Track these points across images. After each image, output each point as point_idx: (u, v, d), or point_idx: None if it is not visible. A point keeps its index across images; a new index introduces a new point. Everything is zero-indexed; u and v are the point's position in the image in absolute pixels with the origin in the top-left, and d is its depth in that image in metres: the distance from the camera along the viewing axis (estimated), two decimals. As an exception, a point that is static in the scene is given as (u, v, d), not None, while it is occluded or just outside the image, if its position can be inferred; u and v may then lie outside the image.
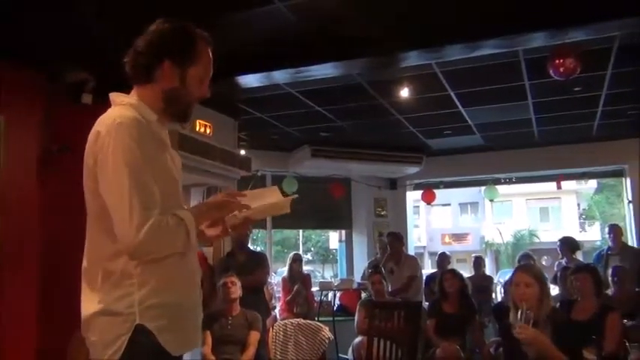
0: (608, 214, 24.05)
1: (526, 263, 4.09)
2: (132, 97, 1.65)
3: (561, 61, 4.04)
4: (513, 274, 3.35)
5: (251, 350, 4.51)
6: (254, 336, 4.59)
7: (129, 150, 1.48)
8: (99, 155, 1.51)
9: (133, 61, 1.64)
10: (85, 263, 1.62)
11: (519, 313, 2.92)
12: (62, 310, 2.55)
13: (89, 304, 1.56)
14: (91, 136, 1.56)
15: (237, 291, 4.68)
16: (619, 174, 8.56)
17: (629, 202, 8.01)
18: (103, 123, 1.55)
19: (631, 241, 7.64)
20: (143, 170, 1.50)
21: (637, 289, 5.40)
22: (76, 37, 3.82)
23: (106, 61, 1.75)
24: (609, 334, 3.81)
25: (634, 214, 7.80)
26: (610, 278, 5.36)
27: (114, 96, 1.66)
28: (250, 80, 4.80)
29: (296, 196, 1.88)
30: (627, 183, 8.09)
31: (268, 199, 1.80)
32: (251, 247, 6.24)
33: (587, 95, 5.83)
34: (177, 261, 1.59)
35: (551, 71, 4.16)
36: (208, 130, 5.53)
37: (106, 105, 1.67)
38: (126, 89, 1.70)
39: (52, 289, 3.93)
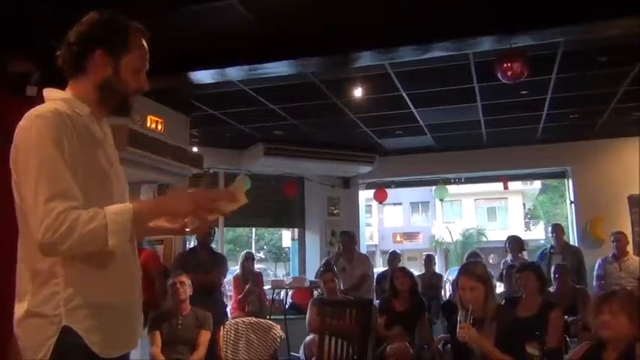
0: (551, 214, 24.96)
1: (469, 264, 4.18)
2: (64, 93, 1.61)
3: (509, 64, 4.15)
4: (458, 277, 3.42)
5: (201, 350, 4.46)
6: (204, 335, 4.54)
7: (42, 142, 1.44)
8: (17, 149, 1.48)
9: (65, 53, 1.61)
10: (18, 263, 1.55)
11: (464, 314, 3.02)
12: None
13: (18, 306, 1.51)
14: (15, 131, 1.52)
15: (186, 291, 4.60)
16: (562, 175, 8.84)
17: (571, 202, 8.31)
18: (25, 117, 1.51)
19: (572, 240, 7.92)
20: (55, 163, 1.43)
21: (577, 286, 5.62)
22: (20, 27, 3.67)
23: (50, 53, 1.68)
24: (552, 329, 3.97)
25: (575, 215, 8.10)
26: (552, 275, 5.56)
27: (46, 91, 1.62)
28: (203, 76, 4.73)
29: (240, 184, 1.80)
30: (570, 184, 8.38)
31: None
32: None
33: (533, 99, 6.00)
34: (108, 259, 1.53)
35: (499, 74, 4.26)
36: (160, 127, 5.43)
37: (51, 98, 1.63)
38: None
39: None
